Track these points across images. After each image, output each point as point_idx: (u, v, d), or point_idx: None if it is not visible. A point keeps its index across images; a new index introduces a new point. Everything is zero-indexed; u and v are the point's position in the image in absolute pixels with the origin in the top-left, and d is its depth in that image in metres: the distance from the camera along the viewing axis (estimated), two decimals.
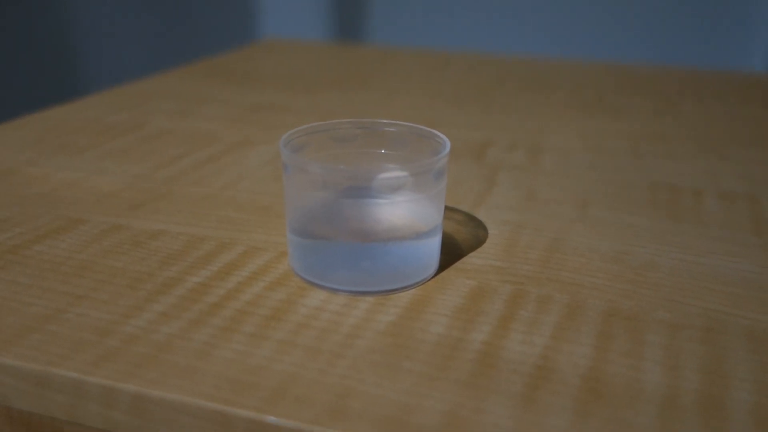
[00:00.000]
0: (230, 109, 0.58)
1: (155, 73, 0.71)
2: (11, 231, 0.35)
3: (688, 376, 0.25)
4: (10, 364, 0.25)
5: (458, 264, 0.32)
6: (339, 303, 0.29)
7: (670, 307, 0.29)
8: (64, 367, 0.24)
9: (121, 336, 0.26)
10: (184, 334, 0.26)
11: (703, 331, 0.27)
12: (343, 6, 1.56)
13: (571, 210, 0.39)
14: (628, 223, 0.37)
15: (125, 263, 0.32)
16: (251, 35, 1.67)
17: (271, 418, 0.22)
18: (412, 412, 0.22)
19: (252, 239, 0.34)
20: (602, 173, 0.45)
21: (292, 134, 0.31)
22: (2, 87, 1.61)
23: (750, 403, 0.23)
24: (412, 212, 0.30)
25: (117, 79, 1.67)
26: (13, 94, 1.63)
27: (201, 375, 0.24)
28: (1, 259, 0.32)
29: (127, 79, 1.44)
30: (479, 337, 0.27)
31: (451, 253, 0.33)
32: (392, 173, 0.28)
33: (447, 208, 0.39)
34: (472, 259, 0.33)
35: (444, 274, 0.31)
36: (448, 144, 0.31)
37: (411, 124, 0.33)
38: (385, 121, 0.33)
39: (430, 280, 0.31)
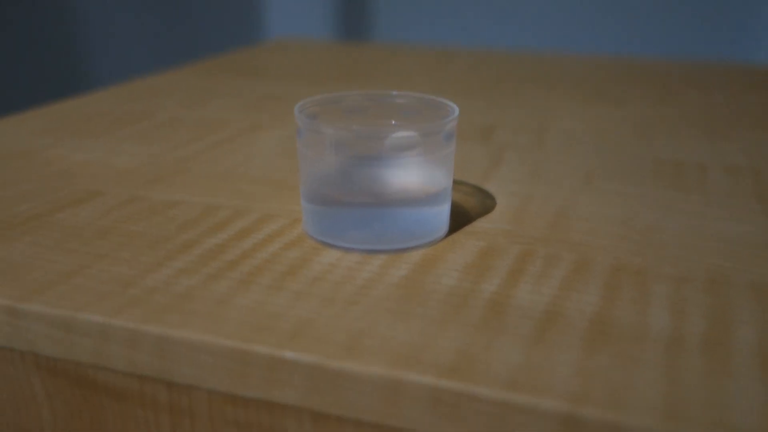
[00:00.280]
0: (240, 100, 0.59)
1: (161, 72, 0.72)
2: (32, 202, 0.36)
3: (693, 321, 0.25)
4: (38, 311, 0.26)
5: (467, 228, 0.33)
6: (352, 260, 0.30)
7: (676, 263, 0.30)
8: (90, 312, 0.25)
9: (143, 287, 0.27)
10: (203, 285, 0.27)
11: (708, 283, 0.28)
12: (348, 6, 1.58)
13: (577, 183, 0.40)
14: (633, 194, 0.38)
15: (144, 228, 0.33)
16: (257, 36, 1.68)
17: (289, 354, 0.23)
18: (425, 349, 0.23)
19: (266, 208, 0.35)
20: (606, 152, 0.45)
21: (305, 103, 0.32)
22: (6, 84, 1.62)
23: (753, 344, 0.24)
24: (423, 174, 0.31)
25: (122, 78, 1.69)
26: (15, 93, 1.64)
27: (221, 319, 0.25)
28: (24, 226, 0.33)
29: (132, 78, 1.46)
30: (489, 288, 0.27)
31: (460, 220, 0.34)
32: (403, 132, 0.29)
33: (455, 182, 0.40)
34: (481, 224, 0.34)
35: (454, 236, 0.32)
36: (457, 109, 0.31)
37: (420, 95, 0.34)
38: (395, 92, 0.34)
39: (440, 241, 0.32)
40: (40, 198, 0.36)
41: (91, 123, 0.51)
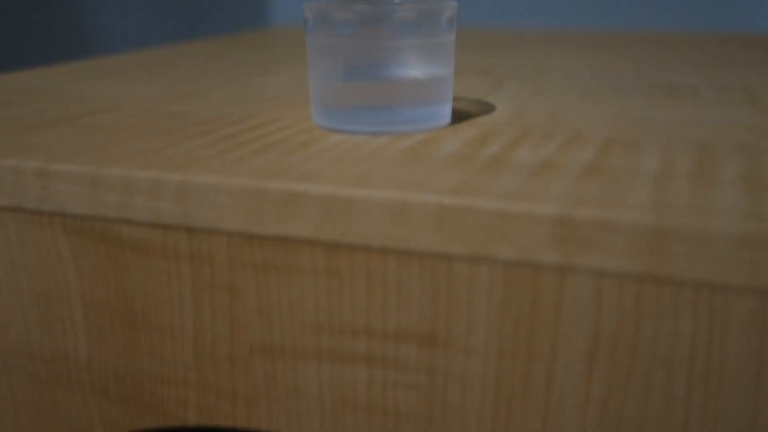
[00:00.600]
0: (247, 61, 0.61)
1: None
2: (56, 114, 0.38)
3: (681, 162, 0.27)
4: (66, 170, 0.27)
5: (469, 121, 0.35)
6: (359, 139, 0.31)
7: (667, 137, 0.31)
8: (114, 167, 0.27)
9: (162, 155, 0.29)
10: (220, 155, 0.29)
11: (699, 147, 0.30)
12: None
13: (574, 97, 0.41)
14: (628, 103, 0.40)
15: (160, 125, 0.34)
16: (260, 22, 1.71)
17: (302, 187, 0.24)
18: (430, 182, 0.25)
19: (279, 113, 0.37)
20: (604, 81, 0.47)
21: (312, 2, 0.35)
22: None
23: (738, 174, 0.25)
24: (425, 60, 0.32)
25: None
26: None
27: (238, 170, 0.26)
28: (50, 126, 0.35)
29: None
30: (489, 152, 0.29)
31: (462, 118, 0.36)
32: (406, 8, 0.31)
33: (455, 97, 0.41)
34: (482, 119, 0.35)
35: (456, 125, 0.34)
36: (456, 2, 0.33)
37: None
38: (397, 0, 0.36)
39: (443, 128, 0.33)
40: (63, 112, 0.38)
41: (108, 70, 0.53)
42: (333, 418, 0.27)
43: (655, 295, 0.22)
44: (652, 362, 0.22)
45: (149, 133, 0.33)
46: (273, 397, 0.28)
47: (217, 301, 0.27)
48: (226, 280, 0.27)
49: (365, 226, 0.24)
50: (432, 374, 0.25)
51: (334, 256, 0.25)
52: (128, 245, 0.28)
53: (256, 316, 0.27)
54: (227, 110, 0.38)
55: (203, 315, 0.27)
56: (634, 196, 0.23)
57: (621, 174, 0.25)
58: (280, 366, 0.27)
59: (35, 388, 0.32)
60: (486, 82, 0.47)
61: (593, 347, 0.23)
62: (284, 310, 0.26)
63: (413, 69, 0.32)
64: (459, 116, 0.36)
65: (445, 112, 0.34)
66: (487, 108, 0.38)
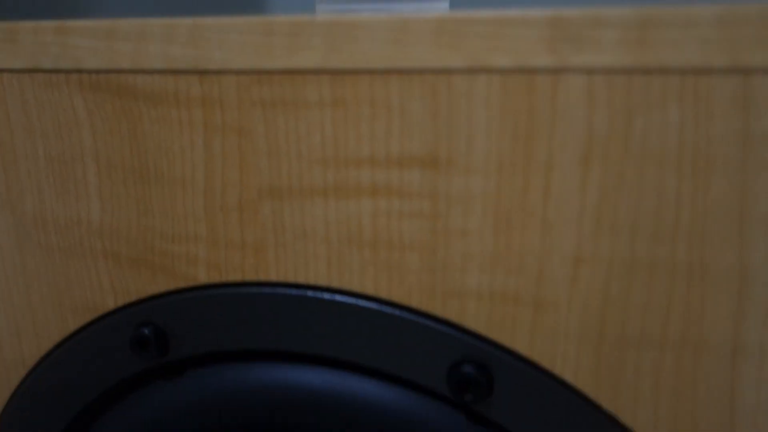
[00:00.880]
0: None
1: None
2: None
3: None
4: (83, 25, 0.29)
5: None
6: None
7: None
8: (128, 18, 0.28)
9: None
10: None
11: None
12: None
13: None
14: None
15: None
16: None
17: (307, 17, 0.26)
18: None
19: None
20: None
21: None
22: None
23: None
24: None
25: None
26: None
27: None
28: None
29: None
30: None
31: None
32: None
33: None
34: None
35: None
36: None
37: None
38: None
39: None
40: None
41: None
42: (339, 258, 0.28)
43: (643, 86, 0.23)
44: (643, 159, 0.24)
45: None
46: (281, 243, 0.29)
47: (227, 144, 0.28)
48: (236, 121, 0.28)
49: (369, 48, 0.25)
50: (434, 199, 0.26)
51: (339, 85, 0.26)
52: (142, 96, 0.29)
53: (265, 157, 0.28)
54: None
55: (214, 161, 0.29)
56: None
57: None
58: (288, 208, 0.28)
59: (48, 259, 0.32)
60: None
61: (587, 151, 0.24)
62: (292, 147, 0.27)
63: None
64: None
65: None
66: None
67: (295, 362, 0.31)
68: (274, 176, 0.28)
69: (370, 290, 0.28)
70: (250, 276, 0.30)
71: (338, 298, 0.28)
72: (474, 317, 0.27)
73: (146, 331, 0.31)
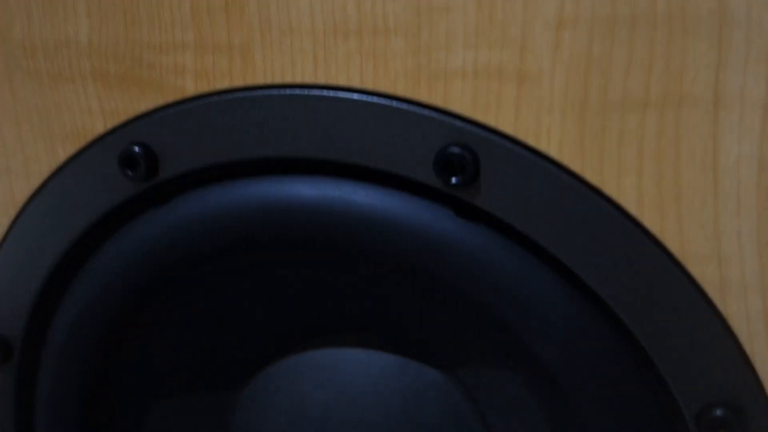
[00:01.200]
0: None
1: None
2: None
3: None
4: None
5: None
6: None
7: None
8: None
9: None
10: None
11: None
12: None
13: None
14: None
15: None
16: None
17: None
18: None
19: None
20: None
21: None
22: None
23: None
24: None
25: None
26: None
27: None
28: None
29: None
30: None
31: None
32: None
33: None
34: None
35: None
36: None
37: None
38: None
39: None
40: None
41: None
42: (325, 52, 0.28)
43: None
44: None
45: None
46: (267, 42, 0.29)
47: None
48: None
49: None
50: None
51: None
52: None
53: None
54: None
55: None
56: None
57: None
58: (273, 3, 0.28)
59: (37, 87, 0.33)
60: None
61: None
62: None
63: None
64: None
65: None
66: None
67: (284, 174, 0.31)
68: None
69: (356, 82, 0.28)
70: (238, 82, 0.30)
71: (325, 93, 0.29)
72: (459, 99, 0.27)
73: (135, 149, 0.31)
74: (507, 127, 0.27)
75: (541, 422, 0.33)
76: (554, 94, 0.26)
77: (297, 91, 0.29)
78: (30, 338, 0.37)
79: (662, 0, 0.24)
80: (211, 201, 0.32)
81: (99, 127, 0.32)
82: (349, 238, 0.30)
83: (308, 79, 0.29)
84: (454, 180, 0.27)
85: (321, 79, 0.29)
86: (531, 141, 0.27)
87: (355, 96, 0.28)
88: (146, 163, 0.31)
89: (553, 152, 0.27)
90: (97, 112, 0.32)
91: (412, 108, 0.28)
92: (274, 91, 0.29)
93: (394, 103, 0.28)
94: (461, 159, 0.27)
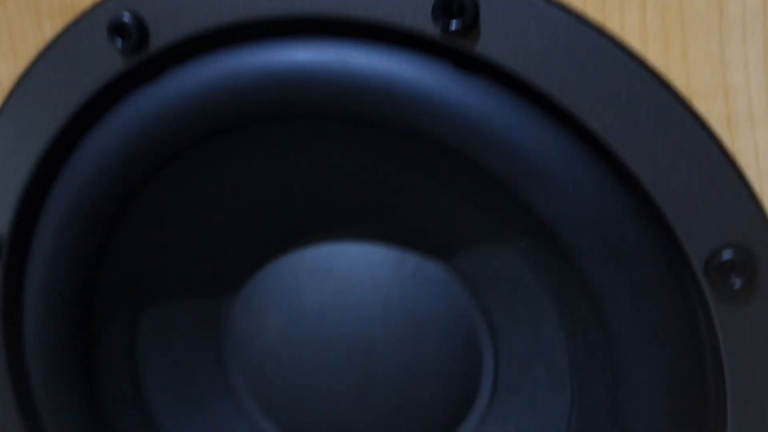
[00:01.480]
0: None
1: None
2: None
3: None
4: None
5: None
6: None
7: None
8: None
9: None
10: None
11: None
12: None
13: None
14: None
15: None
16: None
17: None
18: None
19: None
20: None
21: None
22: None
23: None
24: None
25: None
26: None
27: None
28: None
29: None
30: None
31: None
32: None
33: None
34: None
35: None
36: None
37: None
38: None
39: None
40: None
41: None
42: None
43: None
44: None
45: None
46: None
47: None
48: None
49: None
50: None
51: None
52: None
53: None
54: None
55: None
56: None
57: None
58: None
59: None
60: None
61: None
62: None
63: None
64: None
65: None
66: None
67: (278, 39, 0.30)
68: None
69: None
70: None
71: None
72: None
73: (125, 16, 0.30)
74: None
75: (544, 301, 0.32)
76: None
77: None
78: (17, 234, 0.36)
79: None
80: (203, 72, 0.31)
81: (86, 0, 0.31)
82: (347, 100, 0.29)
83: None
84: (453, 25, 0.27)
85: None
86: None
87: None
88: (136, 32, 0.30)
89: None
90: None
91: None
92: None
93: None
94: (460, 2, 0.26)
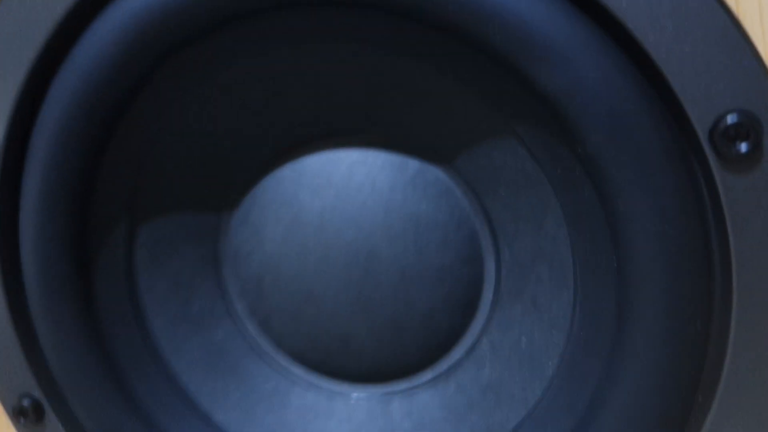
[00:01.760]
0: None
1: None
2: None
3: None
4: None
5: None
6: None
7: None
8: None
9: None
10: None
11: None
12: None
13: None
14: None
15: None
16: None
17: None
18: None
19: None
20: None
21: None
22: None
23: None
24: None
25: None
26: None
27: None
28: None
29: None
30: None
31: None
32: None
33: None
34: None
35: None
36: None
37: None
38: None
39: None
40: None
41: None
42: None
43: None
44: None
45: None
46: None
47: None
48: None
49: None
50: None
51: None
52: None
53: None
54: None
55: None
56: None
57: None
58: None
59: None
60: None
61: None
62: None
63: None
64: None
65: None
66: None
67: None
68: None
69: None
70: None
71: None
72: None
73: None
74: None
75: (546, 194, 0.32)
76: None
77: None
78: (13, 141, 0.35)
79: None
80: None
81: None
82: None
83: None
84: None
85: None
86: None
87: None
88: None
89: None
90: None
91: None
92: None
93: None
94: None
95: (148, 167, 0.36)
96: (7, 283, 0.37)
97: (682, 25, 0.25)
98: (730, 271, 0.27)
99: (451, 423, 0.36)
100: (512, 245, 0.34)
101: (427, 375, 0.37)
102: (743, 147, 0.25)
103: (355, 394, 0.38)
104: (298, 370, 0.39)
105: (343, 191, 0.35)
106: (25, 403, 0.37)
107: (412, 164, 0.35)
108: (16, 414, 0.37)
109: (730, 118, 0.25)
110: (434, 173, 0.35)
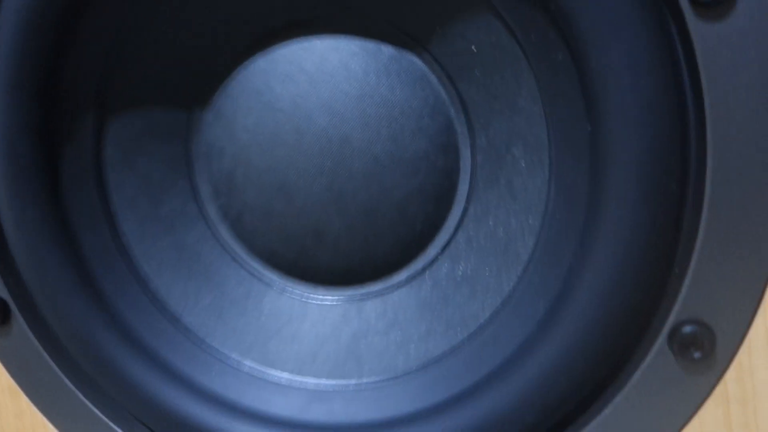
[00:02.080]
0: None
1: None
2: None
3: None
4: None
5: None
6: None
7: None
8: None
9: None
10: None
11: None
12: None
13: None
14: None
15: None
16: None
17: None
18: None
19: None
20: None
21: None
22: None
23: None
24: None
25: None
26: None
27: None
28: None
29: None
30: None
31: None
32: None
33: None
34: None
35: None
36: None
37: None
38: None
39: None
40: None
41: None
42: None
43: None
44: None
45: None
46: None
47: None
48: None
49: None
50: None
51: None
52: None
53: None
54: None
55: None
56: None
57: None
58: None
59: None
60: None
61: None
62: None
63: None
64: None
65: None
66: None
67: None
68: None
69: None
70: None
71: None
72: None
73: None
74: None
75: (520, 69, 0.31)
76: None
77: None
78: None
79: None
80: None
81: None
82: None
83: None
84: None
85: None
86: None
87: None
88: None
89: None
90: None
91: None
92: None
93: None
94: None
95: (116, 59, 0.35)
96: None
97: None
98: (704, 126, 0.27)
99: (426, 320, 0.35)
100: (487, 129, 0.33)
101: (402, 275, 0.36)
102: None
103: (329, 297, 0.37)
104: (271, 274, 0.38)
105: (316, 77, 0.34)
106: None
107: (387, 50, 0.34)
108: None
109: None
110: (409, 59, 0.34)
